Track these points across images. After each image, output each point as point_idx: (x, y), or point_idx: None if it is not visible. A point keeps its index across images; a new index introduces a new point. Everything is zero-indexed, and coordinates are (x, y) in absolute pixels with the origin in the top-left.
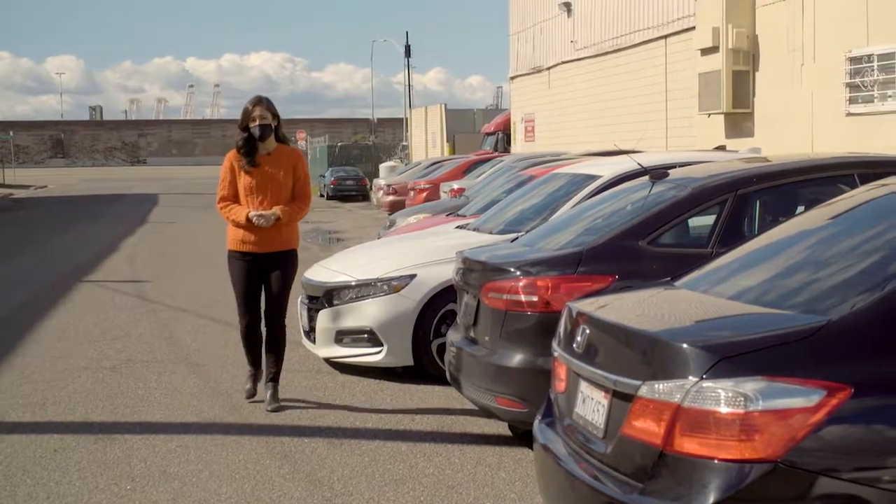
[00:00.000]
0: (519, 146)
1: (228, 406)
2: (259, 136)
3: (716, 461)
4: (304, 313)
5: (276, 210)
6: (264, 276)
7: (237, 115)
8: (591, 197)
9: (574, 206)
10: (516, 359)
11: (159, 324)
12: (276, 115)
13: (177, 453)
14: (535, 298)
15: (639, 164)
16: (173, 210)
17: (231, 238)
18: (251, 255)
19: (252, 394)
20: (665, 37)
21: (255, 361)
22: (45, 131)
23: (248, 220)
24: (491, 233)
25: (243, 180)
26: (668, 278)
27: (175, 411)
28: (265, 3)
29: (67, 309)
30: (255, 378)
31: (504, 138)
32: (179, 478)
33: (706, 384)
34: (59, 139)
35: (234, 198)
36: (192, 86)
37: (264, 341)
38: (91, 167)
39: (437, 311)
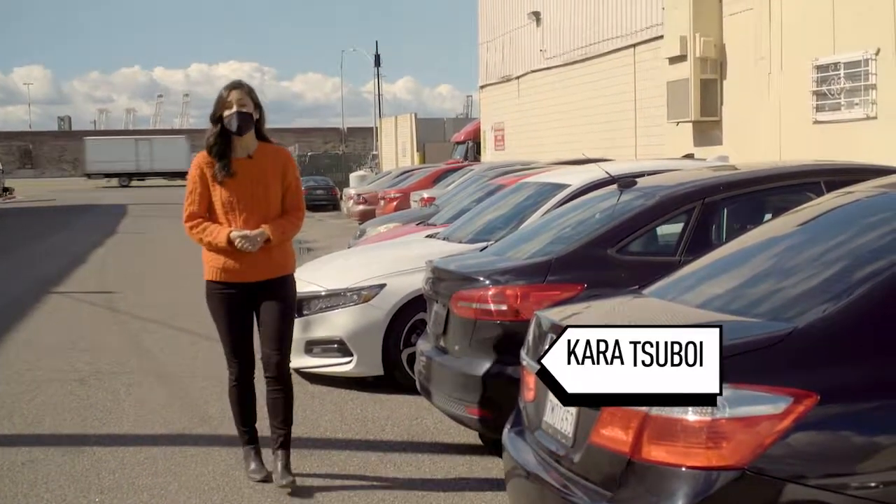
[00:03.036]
0: (489, 155)
1: (197, 417)
2: (237, 128)
3: (683, 469)
4: None
5: (264, 229)
6: (257, 311)
7: (207, 124)
8: (560, 206)
9: (543, 215)
10: (486, 368)
11: (128, 335)
12: (258, 106)
13: (145, 465)
14: (504, 307)
15: (607, 172)
16: (143, 221)
17: (209, 266)
18: (238, 286)
19: (262, 473)
20: (633, 46)
21: (250, 433)
22: (13, 142)
23: (231, 241)
24: (461, 242)
25: (218, 192)
26: (637, 286)
27: (144, 423)
28: (232, 12)
29: (35, 320)
30: (258, 452)
31: (474, 147)
32: (148, 490)
33: None
34: (27, 150)
35: (205, 214)
36: (160, 96)
37: (266, 397)
38: (60, 178)
39: (407, 320)
